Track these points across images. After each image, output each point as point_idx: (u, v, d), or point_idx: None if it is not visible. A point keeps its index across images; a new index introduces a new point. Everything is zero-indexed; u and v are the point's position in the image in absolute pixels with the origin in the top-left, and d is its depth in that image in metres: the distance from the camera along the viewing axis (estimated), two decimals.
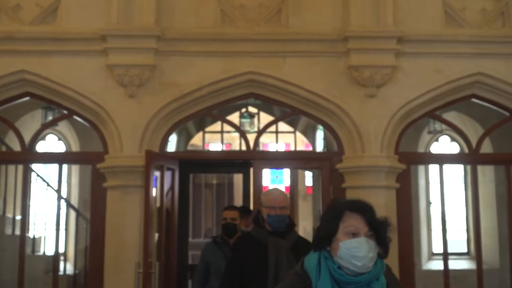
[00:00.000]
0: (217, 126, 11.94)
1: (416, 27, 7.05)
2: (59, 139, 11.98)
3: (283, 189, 6.76)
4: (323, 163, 7.27)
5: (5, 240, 9.10)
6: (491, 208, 10.67)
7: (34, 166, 9.11)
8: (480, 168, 7.93)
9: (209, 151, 12.39)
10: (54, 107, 7.98)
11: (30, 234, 9.73)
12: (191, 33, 7.03)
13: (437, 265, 10.77)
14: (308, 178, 17.14)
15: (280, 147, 13.77)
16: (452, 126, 7.82)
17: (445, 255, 7.20)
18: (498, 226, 10.46)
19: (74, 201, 11.56)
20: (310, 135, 12.71)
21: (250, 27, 7.09)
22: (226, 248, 6.39)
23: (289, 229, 4.82)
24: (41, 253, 10.23)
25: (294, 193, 8.74)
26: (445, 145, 11.95)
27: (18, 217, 8.78)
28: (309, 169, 10.37)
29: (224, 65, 7.02)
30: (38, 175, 9.64)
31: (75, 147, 11.64)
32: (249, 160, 7.74)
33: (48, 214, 10.13)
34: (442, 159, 7.75)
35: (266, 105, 9.99)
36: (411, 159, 7.39)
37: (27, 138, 7.33)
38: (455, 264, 10.28)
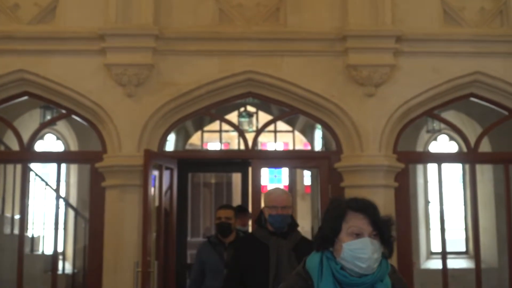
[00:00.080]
0: (215, 125, 11.96)
1: (414, 26, 7.05)
2: (58, 138, 11.97)
3: None
4: (322, 162, 7.28)
5: (4, 240, 9.10)
6: (489, 207, 10.67)
7: (33, 165, 9.11)
8: (478, 167, 7.92)
9: (207, 151, 12.39)
10: (53, 106, 7.98)
11: (29, 234, 9.72)
12: (189, 32, 7.03)
13: (435, 264, 10.79)
14: (307, 177, 17.16)
15: (279, 146, 13.81)
16: (450, 125, 7.82)
17: (444, 254, 7.20)
18: (497, 225, 10.47)
19: (73, 200, 11.56)
20: (308, 134, 12.71)
21: (249, 26, 7.08)
22: (220, 247, 6.34)
23: (292, 229, 4.77)
24: (40, 252, 10.23)
25: (293, 192, 8.77)
26: (443, 144, 11.95)
27: (17, 217, 8.79)
28: (308, 168, 10.40)
29: (222, 64, 7.02)
30: (36, 175, 9.64)
31: (74, 147, 11.63)
32: (247, 159, 7.76)
33: (46, 214, 10.13)
34: (440, 158, 7.75)
35: (264, 104, 9.99)
36: (409, 158, 7.39)
37: (25, 138, 7.32)
38: (454, 263, 10.31)
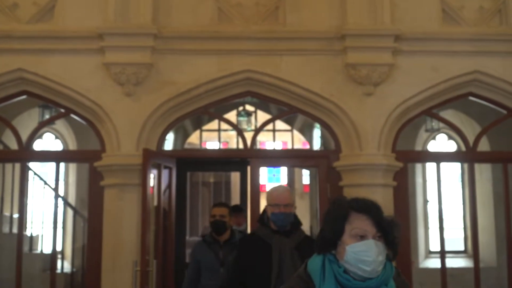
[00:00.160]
0: (214, 124, 11.93)
1: (413, 25, 7.05)
2: (56, 137, 11.98)
3: None
4: (320, 161, 7.28)
5: (2, 239, 9.10)
6: (488, 206, 10.68)
7: (32, 164, 9.10)
8: (477, 166, 7.92)
9: (206, 150, 12.39)
10: (51, 105, 7.97)
11: (28, 233, 9.72)
12: (188, 31, 7.02)
13: (434, 263, 10.80)
14: (305, 176, 17.19)
15: (277, 145, 13.80)
16: (449, 124, 7.82)
17: (442, 253, 7.20)
18: (495, 224, 10.48)
19: (72, 199, 11.56)
20: (307, 133, 12.71)
21: (247, 25, 7.08)
22: (216, 246, 6.28)
23: (295, 227, 4.75)
24: (38, 251, 10.23)
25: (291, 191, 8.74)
26: (442, 143, 11.96)
27: (16, 216, 8.79)
28: (306, 167, 10.41)
29: (221, 63, 7.01)
30: (35, 174, 9.63)
31: (72, 146, 11.63)
32: (246, 159, 7.75)
33: (45, 213, 10.12)
34: (439, 157, 7.77)
35: (263, 103, 9.98)
36: (408, 157, 7.39)
37: (24, 137, 7.32)
38: (452, 262, 10.33)
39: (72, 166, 11.73)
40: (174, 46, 6.99)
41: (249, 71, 7.03)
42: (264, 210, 4.83)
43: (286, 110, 7.53)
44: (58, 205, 7.46)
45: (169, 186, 7.17)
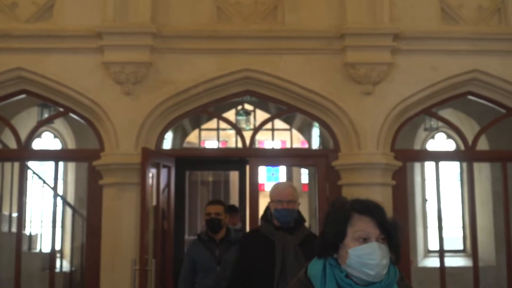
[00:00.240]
0: (213, 123, 11.92)
1: (412, 24, 7.05)
2: (55, 136, 11.97)
3: None
4: (319, 160, 7.28)
5: (1, 238, 9.09)
6: (487, 205, 10.68)
7: (30, 163, 9.10)
8: (476, 165, 7.93)
9: (205, 149, 12.40)
10: (50, 104, 7.97)
11: (27, 232, 9.73)
12: (187, 30, 7.02)
13: (433, 262, 10.79)
14: (304, 175, 17.19)
15: (276, 144, 13.79)
16: (448, 123, 7.82)
17: (441, 252, 7.20)
18: (494, 223, 10.48)
19: (70, 198, 11.55)
20: (306, 132, 12.71)
21: (246, 24, 7.08)
22: (212, 244, 6.12)
23: (299, 224, 4.70)
24: (37, 250, 10.23)
25: None
26: (441, 142, 11.97)
27: (15, 215, 8.78)
28: (305, 167, 10.40)
29: (220, 63, 7.01)
30: (34, 173, 9.63)
31: (71, 145, 11.63)
32: (245, 158, 7.75)
33: (44, 212, 10.12)
34: (438, 156, 7.76)
35: (262, 102, 9.98)
36: (407, 156, 7.39)
37: (23, 136, 7.32)
38: (451, 261, 10.32)
39: (71, 165, 11.73)
40: (173, 45, 6.98)
41: (248, 70, 7.03)
42: (268, 207, 4.79)
43: (285, 109, 7.53)
44: (57, 204, 7.46)
45: (168, 185, 7.16)
